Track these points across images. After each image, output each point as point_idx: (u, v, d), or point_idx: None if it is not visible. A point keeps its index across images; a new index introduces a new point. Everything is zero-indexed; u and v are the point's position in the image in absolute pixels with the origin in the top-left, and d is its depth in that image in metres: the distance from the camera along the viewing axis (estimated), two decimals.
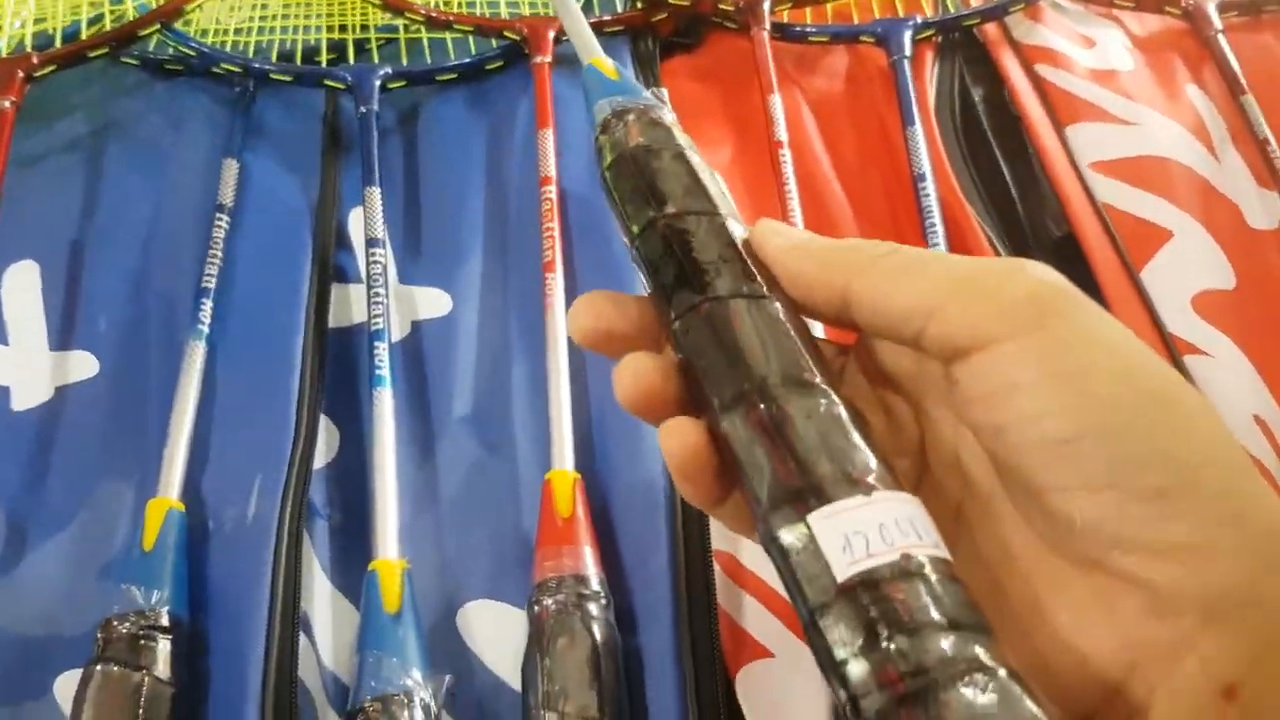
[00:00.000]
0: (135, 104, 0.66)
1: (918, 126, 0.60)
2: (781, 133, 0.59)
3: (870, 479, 0.22)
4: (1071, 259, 0.56)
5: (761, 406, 0.23)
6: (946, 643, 0.20)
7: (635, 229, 0.27)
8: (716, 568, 0.44)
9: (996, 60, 0.67)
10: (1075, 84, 0.64)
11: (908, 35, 0.65)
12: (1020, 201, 0.60)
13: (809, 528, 0.22)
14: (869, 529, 0.21)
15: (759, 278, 0.26)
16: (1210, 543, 0.22)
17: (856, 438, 0.23)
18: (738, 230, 0.27)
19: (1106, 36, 0.68)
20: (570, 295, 0.53)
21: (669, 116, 0.29)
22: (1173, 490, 0.22)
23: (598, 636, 0.40)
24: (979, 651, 0.20)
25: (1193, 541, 0.22)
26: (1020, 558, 0.25)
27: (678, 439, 0.25)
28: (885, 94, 0.65)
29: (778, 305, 0.25)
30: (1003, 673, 0.20)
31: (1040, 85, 0.64)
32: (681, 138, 0.28)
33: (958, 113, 0.65)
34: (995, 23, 0.68)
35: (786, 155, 0.58)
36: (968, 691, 0.19)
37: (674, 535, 0.45)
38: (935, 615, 0.20)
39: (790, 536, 0.22)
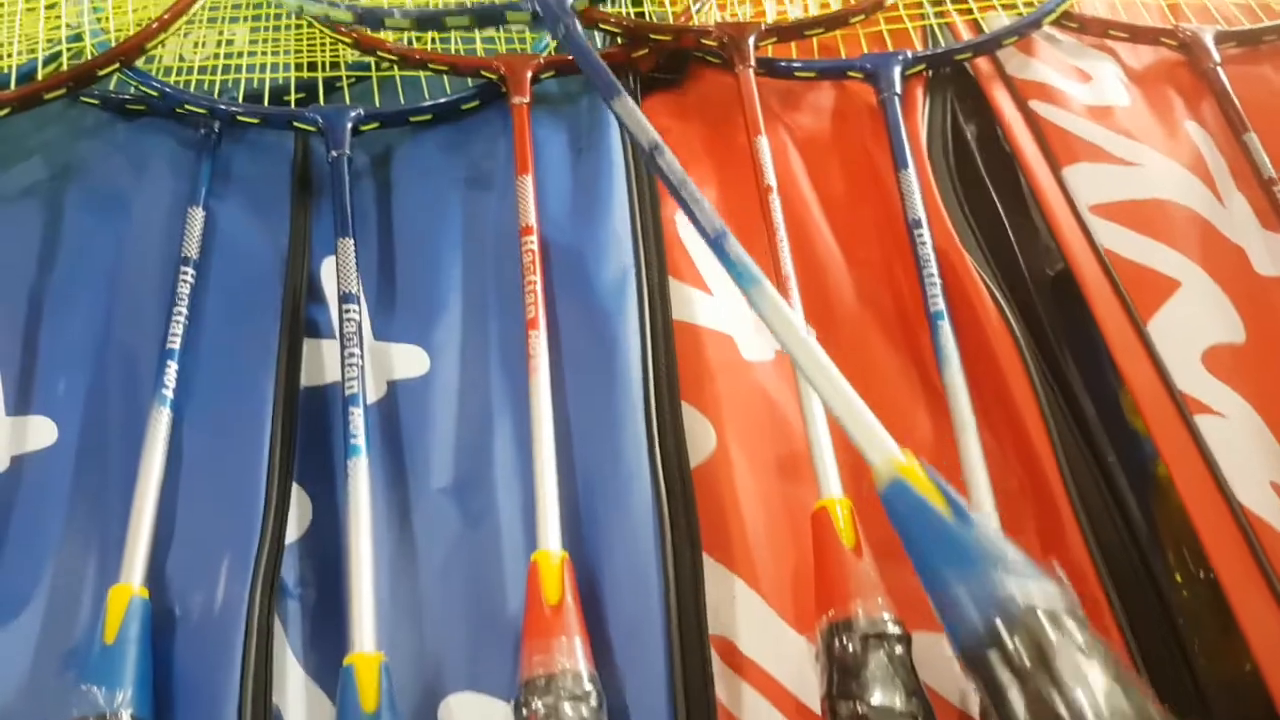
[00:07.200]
0: (96, 146, 0.64)
1: (911, 170, 0.58)
2: (770, 178, 0.56)
3: None
4: (1069, 299, 0.54)
5: None
6: None
7: None
8: (714, 655, 0.42)
9: (989, 96, 0.65)
10: (1072, 121, 0.62)
11: (897, 71, 0.63)
12: (1018, 246, 0.58)
13: None
14: None
15: None
16: None
17: None
18: None
19: (1101, 70, 0.66)
20: (554, 353, 0.51)
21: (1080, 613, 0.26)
22: None
23: None
24: None
25: None
26: None
27: None
28: (874, 131, 0.63)
29: None
30: None
31: (1035, 122, 0.62)
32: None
33: (950, 152, 0.63)
34: (987, 57, 0.66)
35: (775, 201, 0.55)
36: None
37: (668, 618, 0.43)
38: None
39: None
